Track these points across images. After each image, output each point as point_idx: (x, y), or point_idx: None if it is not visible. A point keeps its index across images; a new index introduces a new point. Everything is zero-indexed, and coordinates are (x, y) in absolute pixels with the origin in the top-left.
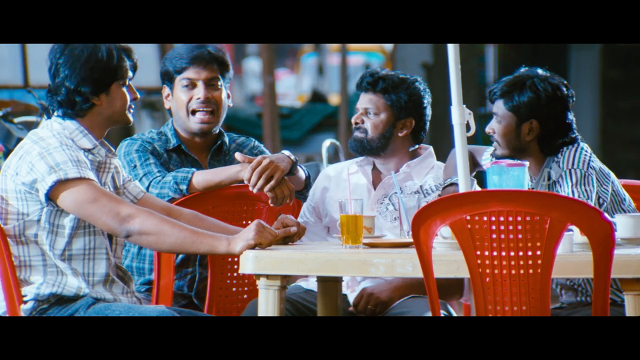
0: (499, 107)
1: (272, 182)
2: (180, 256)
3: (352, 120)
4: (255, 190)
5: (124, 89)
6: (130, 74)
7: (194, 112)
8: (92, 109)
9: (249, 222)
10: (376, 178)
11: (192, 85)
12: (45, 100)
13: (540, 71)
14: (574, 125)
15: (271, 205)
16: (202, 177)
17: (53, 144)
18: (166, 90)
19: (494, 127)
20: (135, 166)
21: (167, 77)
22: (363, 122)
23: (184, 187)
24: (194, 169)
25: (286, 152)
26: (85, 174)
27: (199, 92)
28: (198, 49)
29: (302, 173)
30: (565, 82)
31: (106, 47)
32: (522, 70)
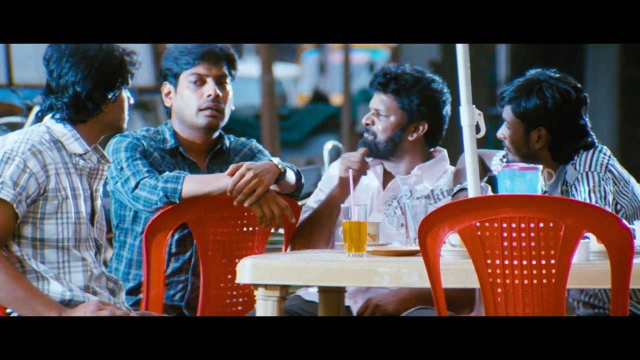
0: (507, 113)
1: (252, 197)
2: (172, 265)
3: (363, 121)
4: (236, 204)
5: (125, 96)
6: (131, 80)
7: (201, 109)
8: (97, 116)
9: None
10: (387, 179)
11: (201, 81)
12: (42, 100)
13: (551, 73)
14: (589, 129)
15: (260, 224)
16: (190, 187)
17: None
18: (167, 87)
19: (504, 133)
20: (122, 168)
21: (171, 74)
22: (374, 123)
23: (175, 199)
24: (183, 176)
25: (275, 161)
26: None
27: (209, 88)
28: (207, 45)
29: (291, 176)
30: (579, 85)
31: (118, 51)
32: (533, 72)
